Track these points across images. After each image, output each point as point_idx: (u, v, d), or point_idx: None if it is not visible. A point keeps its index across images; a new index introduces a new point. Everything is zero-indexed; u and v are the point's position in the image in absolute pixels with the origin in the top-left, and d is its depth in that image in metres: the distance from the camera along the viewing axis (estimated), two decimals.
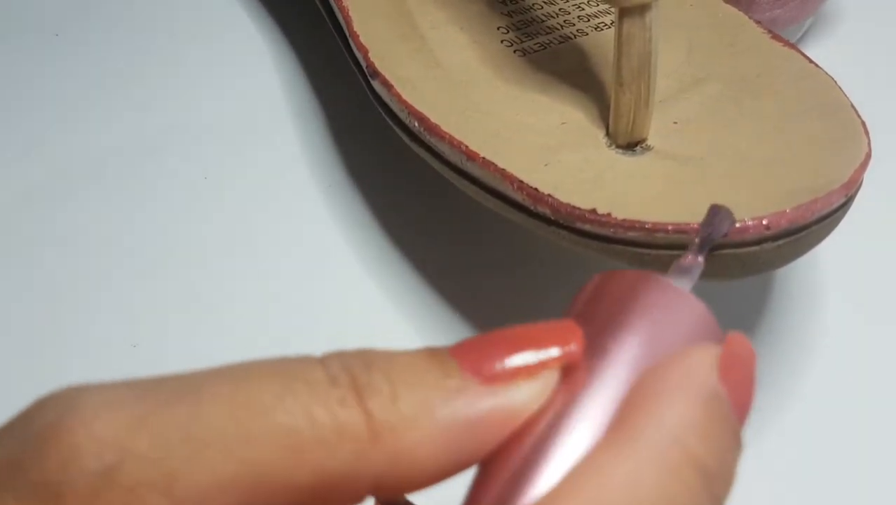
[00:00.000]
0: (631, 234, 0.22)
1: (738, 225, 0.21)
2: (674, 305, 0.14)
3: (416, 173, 0.32)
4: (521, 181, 0.23)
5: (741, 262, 0.22)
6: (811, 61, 0.27)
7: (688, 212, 0.22)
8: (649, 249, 0.22)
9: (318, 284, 0.30)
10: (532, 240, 0.30)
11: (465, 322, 0.28)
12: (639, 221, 0.22)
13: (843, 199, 0.22)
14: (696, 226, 0.21)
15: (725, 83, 0.27)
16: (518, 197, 0.23)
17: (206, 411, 0.12)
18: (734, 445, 0.13)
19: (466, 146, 0.24)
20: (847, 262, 0.29)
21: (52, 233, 0.31)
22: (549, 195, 0.23)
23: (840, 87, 0.26)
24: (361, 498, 0.13)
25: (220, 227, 0.31)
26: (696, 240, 0.17)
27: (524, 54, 0.28)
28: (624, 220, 0.22)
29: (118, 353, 0.28)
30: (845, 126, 0.25)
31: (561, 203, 0.23)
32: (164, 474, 0.12)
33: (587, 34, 0.28)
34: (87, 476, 0.11)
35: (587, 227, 0.22)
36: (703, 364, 0.13)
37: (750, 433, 0.26)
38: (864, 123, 0.25)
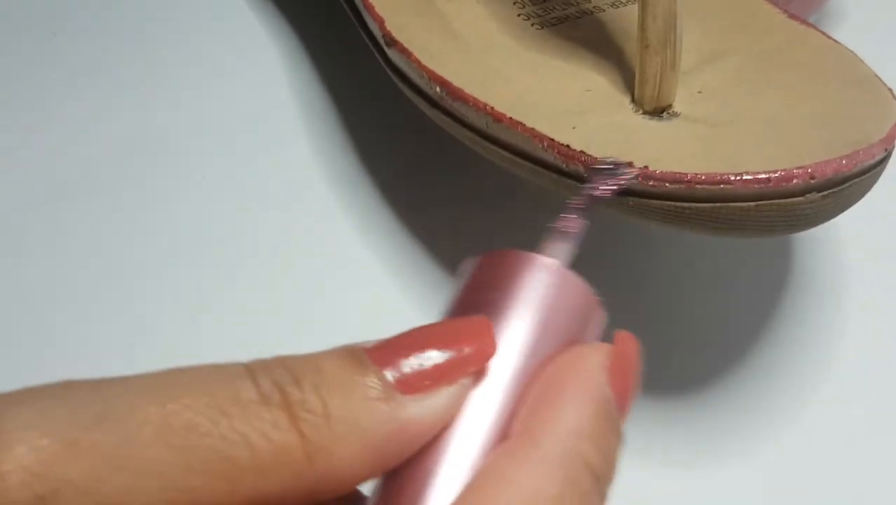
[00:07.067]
0: (670, 188, 0.21)
1: (769, 175, 0.20)
2: (559, 290, 0.14)
3: (421, 169, 0.31)
4: (552, 139, 0.22)
5: (785, 213, 0.21)
6: (830, 37, 0.27)
7: (729, 168, 0.21)
8: (689, 203, 0.21)
9: (323, 280, 0.29)
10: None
11: None
12: (679, 174, 0.21)
13: (883, 154, 0.22)
14: (739, 178, 0.21)
15: (746, 56, 0.26)
16: (549, 156, 0.23)
17: (140, 437, 0.12)
18: (619, 443, 0.14)
19: (492, 107, 0.24)
20: (868, 248, 0.29)
21: (50, 232, 0.30)
22: (581, 151, 0.22)
23: (862, 60, 0.26)
24: None
25: (222, 223, 0.30)
26: (577, 200, 0.17)
27: (542, 28, 0.27)
28: (663, 172, 0.21)
29: (115, 351, 0.27)
30: (873, 92, 0.24)
31: (595, 159, 0.22)
32: None
33: (604, 10, 0.28)
34: None
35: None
36: (594, 367, 0.14)
37: (764, 424, 0.25)
38: (891, 90, 0.24)
